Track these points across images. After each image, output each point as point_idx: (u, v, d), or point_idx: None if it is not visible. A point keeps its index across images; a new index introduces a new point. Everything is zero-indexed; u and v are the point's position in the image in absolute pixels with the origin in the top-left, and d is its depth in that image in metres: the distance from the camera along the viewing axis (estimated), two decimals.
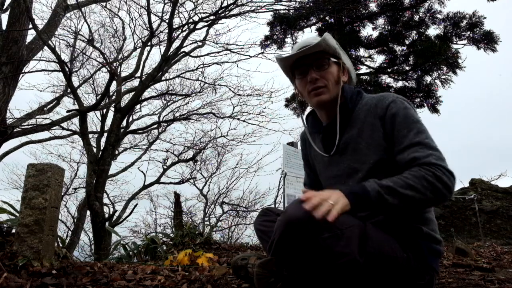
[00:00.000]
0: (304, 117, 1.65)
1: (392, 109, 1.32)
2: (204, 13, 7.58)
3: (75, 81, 9.39)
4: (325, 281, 1.20)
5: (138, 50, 8.77)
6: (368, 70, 9.31)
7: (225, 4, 7.25)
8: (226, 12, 7.40)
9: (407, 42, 8.69)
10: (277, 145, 12.06)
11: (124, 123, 9.14)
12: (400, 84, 9.13)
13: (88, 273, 1.90)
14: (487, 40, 7.97)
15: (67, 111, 7.56)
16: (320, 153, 1.52)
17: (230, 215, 12.35)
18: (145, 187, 11.99)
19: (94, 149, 7.00)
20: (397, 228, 1.27)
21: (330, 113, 1.49)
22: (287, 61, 1.52)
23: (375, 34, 8.96)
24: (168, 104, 10.84)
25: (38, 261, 1.87)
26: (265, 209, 1.67)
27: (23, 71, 5.68)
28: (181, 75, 9.80)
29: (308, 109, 1.61)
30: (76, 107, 6.03)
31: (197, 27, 7.62)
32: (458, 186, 10.36)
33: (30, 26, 5.00)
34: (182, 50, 7.96)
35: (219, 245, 3.99)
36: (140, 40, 8.92)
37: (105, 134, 7.07)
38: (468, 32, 8.15)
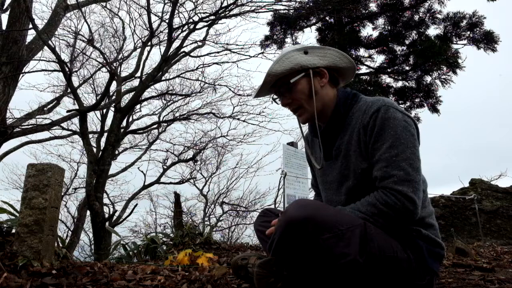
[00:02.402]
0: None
1: (374, 118, 1.31)
2: (204, 13, 7.58)
3: (75, 81, 9.41)
4: (326, 281, 1.20)
5: (138, 50, 8.77)
6: (368, 70, 9.31)
7: (225, 4, 7.26)
8: (226, 12, 7.40)
9: (407, 42, 8.68)
10: (277, 145, 12.06)
11: (124, 123, 9.13)
12: (400, 84, 9.13)
13: (88, 273, 1.90)
14: (487, 40, 7.97)
15: (67, 111, 7.54)
16: (317, 158, 1.54)
17: (230, 215, 12.36)
18: (145, 187, 11.97)
19: (94, 149, 6.99)
20: (395, 229, 1.27)
21: (323, 120, 1.50)
22: (261, 93, 1.53)
23: (375, 34, 8.96)
24: (168, 104, 10.85)
25: (38, 261, 1.87)
26: (265, 209, 1.68)
27: (23, 71, 5.67)
28: (181, 75, 9.82)
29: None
30: (76, 107, 6.02)
31: (197, 27, 7.62)
32: (458, 186, 10.35)
33: (30, 26, 4.98)
34: (182, 50, 7.96)
35: (219, 245, 3.98)
36: (140, 40, 8.92)
37: (105, 134, 7.06)
38: (468, 32, 8.15)
